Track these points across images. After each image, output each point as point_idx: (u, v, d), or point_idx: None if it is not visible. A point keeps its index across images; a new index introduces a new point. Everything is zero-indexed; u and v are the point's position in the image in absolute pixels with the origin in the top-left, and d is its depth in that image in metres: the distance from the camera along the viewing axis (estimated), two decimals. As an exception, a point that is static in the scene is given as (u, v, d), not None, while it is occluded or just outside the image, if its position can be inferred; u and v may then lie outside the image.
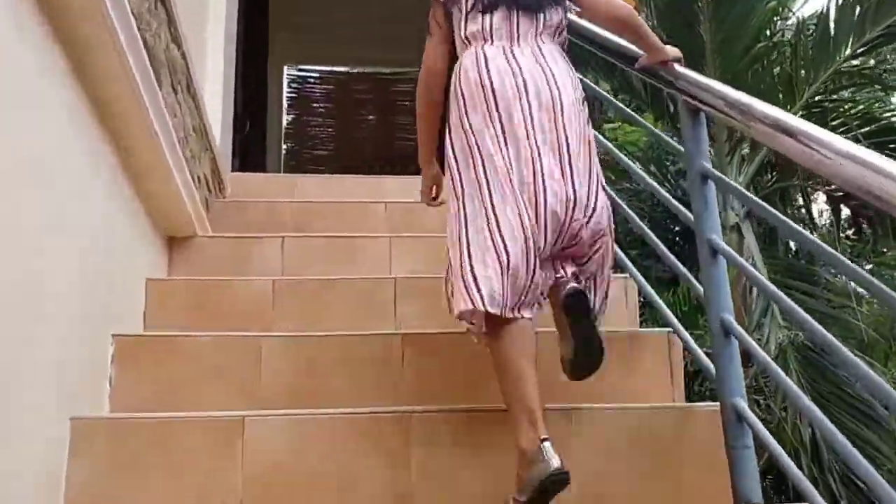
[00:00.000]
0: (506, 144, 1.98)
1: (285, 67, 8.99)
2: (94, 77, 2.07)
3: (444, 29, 2.20)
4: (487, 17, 2.11)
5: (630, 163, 2.94)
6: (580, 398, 2.26)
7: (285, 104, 9.19)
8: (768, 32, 6.28)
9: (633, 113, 3.11)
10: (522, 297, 1.94)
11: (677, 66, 2.25)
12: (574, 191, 1.99)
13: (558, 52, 2.15)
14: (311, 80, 9.65)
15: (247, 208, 3.76)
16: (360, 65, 9.53)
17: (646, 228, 2.72)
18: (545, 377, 2.36)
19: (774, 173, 6.24)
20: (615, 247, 2.23)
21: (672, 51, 2.27)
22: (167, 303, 2.80)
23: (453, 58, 2.19)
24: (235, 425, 2.09)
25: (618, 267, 2.79)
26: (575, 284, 2.00)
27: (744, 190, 2.13)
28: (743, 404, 1.95)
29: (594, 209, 2.04)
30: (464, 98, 2.06)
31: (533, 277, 1.95)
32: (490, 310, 1.90)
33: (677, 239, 6.73)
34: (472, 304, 1.91)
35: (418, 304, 2.78)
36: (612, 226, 2.14)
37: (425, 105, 2.25)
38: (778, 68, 6.11)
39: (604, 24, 2.37)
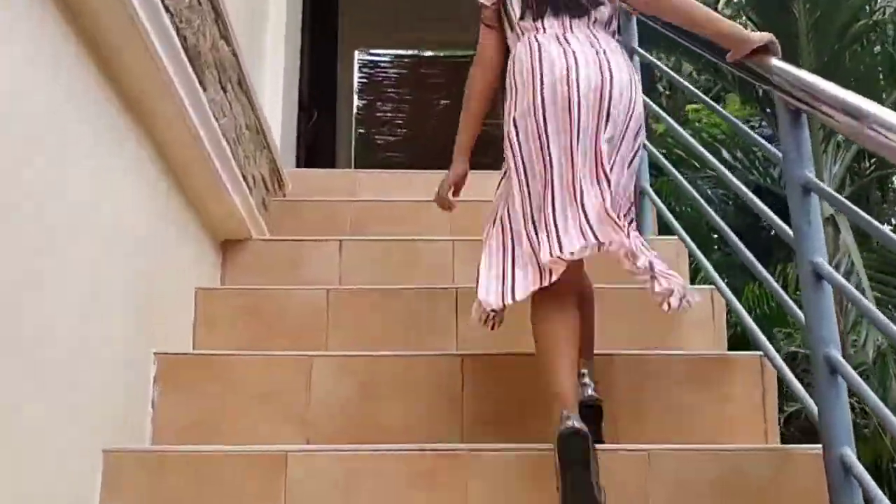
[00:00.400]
0: (547, 143, 1.97)
1: (356, 52, 8.79)
2: (118, 72, 1.90)
3: (495, 26, 2.22)
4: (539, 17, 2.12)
5: (718, 164, 2.65)
6: (658, 436, 2.04)
7: (356, 90, 8.99)
8: (867, 9, 5.85)
9: (718, 107, 2.83)
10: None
11: (773, 60, 1.95)
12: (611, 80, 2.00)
13: (612, 39, 2.14)
14: (383, 65, 9.44)
15: (306, 208, 3.59)
16: (434, 48, 9.30)
17: (730, 233, 2.42)
18: (620, 409, 2.15)
19: (873, 161, 5.83)
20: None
21: (761, 36, 1.96)
22: (217, 313, 2.65)
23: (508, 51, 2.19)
24: (278, 462, 1.92)
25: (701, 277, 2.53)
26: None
27: (857, 209, 1.82)
28: (851, 455, 1.65)
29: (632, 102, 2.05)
30: (515, 89, 2.06)
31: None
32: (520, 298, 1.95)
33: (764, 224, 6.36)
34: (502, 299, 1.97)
35: (481, 320, 2.57)
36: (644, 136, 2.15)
37: (472, 94, 2.28)
38: (878, 48, 5.69)
39: (650, 13, 2.23)
